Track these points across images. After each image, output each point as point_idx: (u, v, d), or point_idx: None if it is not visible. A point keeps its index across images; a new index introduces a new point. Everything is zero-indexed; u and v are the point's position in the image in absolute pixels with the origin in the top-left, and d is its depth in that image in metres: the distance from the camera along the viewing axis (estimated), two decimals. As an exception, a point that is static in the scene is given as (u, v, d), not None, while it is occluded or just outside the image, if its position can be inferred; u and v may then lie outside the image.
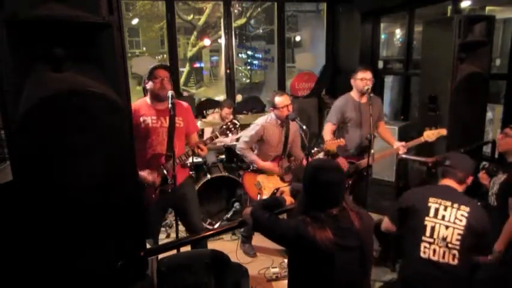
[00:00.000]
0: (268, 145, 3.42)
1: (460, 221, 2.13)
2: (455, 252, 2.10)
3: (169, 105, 2.53)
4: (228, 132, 2.83)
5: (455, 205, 2.18)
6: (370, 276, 1.81)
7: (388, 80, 6.35)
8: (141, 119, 2.69)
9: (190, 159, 2.90)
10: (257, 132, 3.35)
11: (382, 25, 5.62)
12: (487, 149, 3.92)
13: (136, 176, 1.72)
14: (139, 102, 2.79)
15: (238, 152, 3.52)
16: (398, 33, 7.72)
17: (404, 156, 3.24)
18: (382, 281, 3.10)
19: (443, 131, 3.18)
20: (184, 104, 2.94)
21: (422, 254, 2.15)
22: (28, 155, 1.41)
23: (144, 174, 2.67)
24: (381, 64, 5.51)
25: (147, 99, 2.77)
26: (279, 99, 3.31)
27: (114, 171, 1.57)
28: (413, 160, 3.50)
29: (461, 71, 3.25)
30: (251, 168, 3.52)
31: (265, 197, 3.37)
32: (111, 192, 1.57)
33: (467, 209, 2.16)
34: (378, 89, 5.45)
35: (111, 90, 1.52)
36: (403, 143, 3.31)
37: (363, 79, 3.30)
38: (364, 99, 3.40)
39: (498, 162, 3.02)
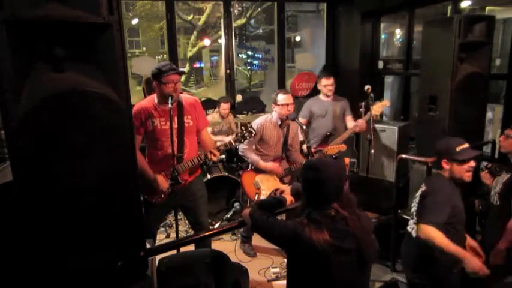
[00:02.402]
0: (267, 144, 3.42)
1: (418, 195, 2.44)
2: (413, 222, 2.43)
3: (170, 106, 2.52)
4: (242, 140, 2.79)
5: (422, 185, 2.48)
6: (369, 278, 1.81)
7: (388, 80, 6.35)
8: (150, 121, 2.67)
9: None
10: (257, 132, 3.36)
11: (382, 25, 5.62)
12: (487, 149, 3.92)
13: (137, 176, 1.71)
14: (146, 102, 2.73)
15: (240, 154, 3.51)
16: (398, 33, 7.71)
17: (404, 156, 3.25)
18: (382, 281, 3.10)
19: (387, 102, 3.72)
20: (191, 99, 2.87)
21: None
22: (28, 155, 1.40)
23: (162, 181, 2.69)
24: (381, 64, 5.50)
25: (155, 99, 2.71)
26: (281, 96, 3.34)
27: (114, 171, 1.57)
28: (413, 160, 3.50)
29: (461, 71, 3.25)
30: (250, 167, 3.52)
31: (263, 197, 3.36)
32: (111, 192, 1.56)
33: (424, 185, 2.43)
34: (378, 88, 5.45)
35: (111, 90, 1.52)
36: (359, 120, 3.66)
37: (326, 85, 3.96)
38: (328, 99, 4.02)
39: (500, 162, 3.02)
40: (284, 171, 3.47)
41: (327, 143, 3.79)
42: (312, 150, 3.48)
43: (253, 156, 3.42)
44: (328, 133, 3.91)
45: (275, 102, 3.37)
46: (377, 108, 3.60)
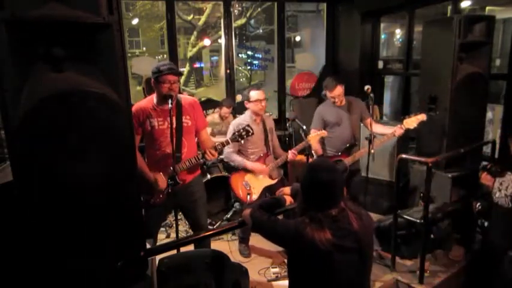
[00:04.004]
0: (250, 143, 3.42)
1: None
2: None
3: (169, 106, 2.51)
4: (239, 138, 2.78)
5: None
6: (370, 277, 1.81)
7: (388, 80, 6.35)
8: (148, 121, 2.67)
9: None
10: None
11: (382, 25, 5.62)
12: (487, 149, 3.92)
13: (137, 176, 1.71)
14: (145, 102, 2.73)
15: (224, 158, 3.52)
16: (398, 33, 7.72)
17: (404, 156, 3.24)
18: (381, 280, 3.10)
19: (423, 116, 3.33)
20: (190, 99, 2.87)
21: None
22: (28, 155, 1.40)
23: (161, 180, 2.68)
24: (381, 64, 5.50)
25: (154, 99, 2.71)
26: (253, 93, 3.38)
27: (114, 171, 1.56)
28: (413, 160, 3.50)
29: (461, 71, 3.25)
30: (238, 168, 3.51)
31: (255, 196, 3.37)
32: (111, 192, 1.56)
33: None
34: (378, 89, 5.46)
35: (111, 90, 1.52)
36: (398, 126, 3.41)
37: (332, 97, 3.56)
38: (342, 104, 3.63)
39: (500, 163, 3.00)
40: (271, 167, 3.47)
41: (350, 153, 3.56)
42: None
43: (237, 159, 3.43)
44: (347, 144, 3.58)
45: (248, 100, 3.39)
46: (411, 123, 3.34)
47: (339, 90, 3.51)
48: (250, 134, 2.77)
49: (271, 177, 3.50)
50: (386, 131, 3.51)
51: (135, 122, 2.64)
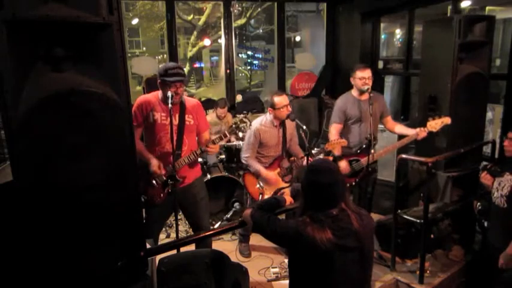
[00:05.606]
0: (267, 147, 3.38)
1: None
2: None
3: (170, 106, 2.52)
4: (237, 131, 2.79)
5: None
6: (370, 277, 1.81)
7: (388, 80, 6.35)
8: (151, 114, 2.69)
9: (199, 159, 2.87)
10: (255, 137, 3.30)
11: (382, 25, 5.62)
12: (487, 149, 3.92)
13: (137, 176, 1.71)
14: (151, 96, 2.76)
15: (243, 162, 3.46)
16: (398, 33, 7.73)
17: (404, 156, 3.25)
18: (382, 280, 3.10)
19: (448, 120, 3.18)
20: (193, 101, 2.90)
21: None
22: (28, 155, 1.40)
23: (155, 163, 2.64)
24: (381, 64, 5.51)
25: (159, 95, 2.73)
26: (278, 99, 3.24)
27: (114, 171, 1.57)
28: (413, 160, 3.50)
29: (461, 71, 3.25)
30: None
31: (266, 196, 3.35)
32: (111, 192, 1.56)
33: None
34: (378, 89, 5.46)
35: (111, 90, 1.52)
36: (421, 128, 3.24)
37: (361, 78, 3.34)
38: (364, 97, 3.42)
39: (500, 163, 3.00)
40: (285, 171, 3.44)
41: (368, 151, 3.29)
42: (347, 167, 3.37)
43: (255, 165, 3.35)
44: (365, 144, 3.34)
45: (273, 107, 3.25)
46: (435, 125, 3.17)
47: (369, 72, 3.34)
48: (248, 125, 2.79)
49: (284, 180, 3.46)
50: (408, 132, 3.35)
51: (139, 114, 2.67)
